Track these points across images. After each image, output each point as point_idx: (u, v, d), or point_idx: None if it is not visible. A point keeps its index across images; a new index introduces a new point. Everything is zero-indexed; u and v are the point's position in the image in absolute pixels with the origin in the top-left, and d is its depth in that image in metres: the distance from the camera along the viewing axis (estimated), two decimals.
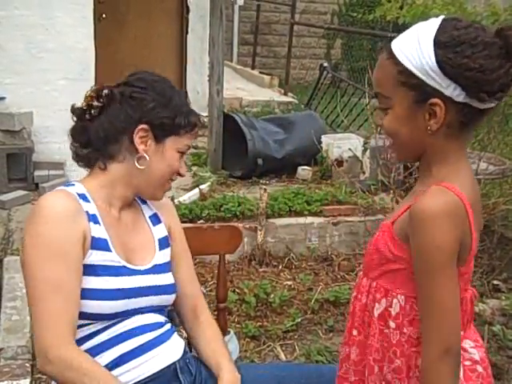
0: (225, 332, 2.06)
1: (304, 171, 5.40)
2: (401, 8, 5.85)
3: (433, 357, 1.21)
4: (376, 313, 1.35)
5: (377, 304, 1.35)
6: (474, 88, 1.22)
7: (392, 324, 1.32)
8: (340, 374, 1.47)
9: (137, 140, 1.66)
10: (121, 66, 7.46)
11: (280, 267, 4.08)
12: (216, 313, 2.16)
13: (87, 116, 1.71)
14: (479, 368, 1.33)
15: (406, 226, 1.27)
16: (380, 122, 1.37)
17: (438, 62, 1.22)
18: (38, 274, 1.49)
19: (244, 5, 13.16)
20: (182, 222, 4.08)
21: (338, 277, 4.04)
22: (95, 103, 1.70)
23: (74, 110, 1.72)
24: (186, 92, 1.81)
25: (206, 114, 6.24)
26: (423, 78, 1.24)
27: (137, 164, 1.66)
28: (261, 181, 5.10)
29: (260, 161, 5.27)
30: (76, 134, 1.71)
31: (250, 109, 8.13)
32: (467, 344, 1.34)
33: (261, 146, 5.34)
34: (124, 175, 1.67)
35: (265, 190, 4.25)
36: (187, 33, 7.63)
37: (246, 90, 9.35)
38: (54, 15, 5.16)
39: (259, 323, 3.36)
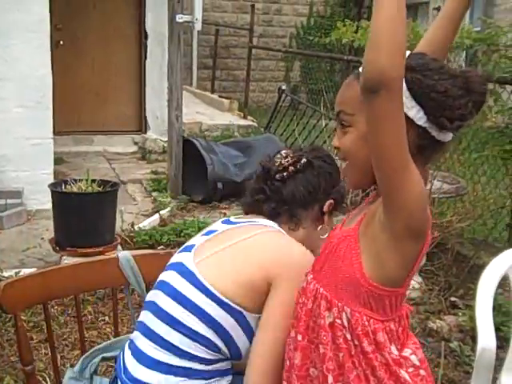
0: None
1: None
2: (356, 32, 5.98)
3: None
4: (327, 321, 1.37)
5: (327, 312, 1.37)
6: (437, 111, 1.26)
7: (348, 336, 1.35)
8: (284, 379, 1.48)
9: (326, 211, 1.78)
10: (79, 92, 7.47)
11: None
12: None
13: (278, 176, 1.78)
14: (422, 372, 1.39)
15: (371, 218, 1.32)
16: (337, 143, 1.40)
17: (406, 81, 1.24)
18: None
19: (202, 29, 13.22)
20: (142, 248, 4.10)
21: None
22: (291, 168, 1.79)
23: (264, 165, 1.83)
24: None
25: (165, 139, 6.27)
26: None
27: (320, 233, 1.76)
28: (221, 205, 5.12)
29: (220, 185, 5.30)
30: (263, 190, 1.79)
31: (210, 133, 8.18)
32: (407, 353, 1.38)
33: (221, 170, 5.37)
34: (303, 240, 1.73)
35: (224, 213, 4.28)
36: (146, 58, 7.66)
37: (205, 114, 9.40)
38: (11, 43, 5.15)
39: None
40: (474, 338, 3.07)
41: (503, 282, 2.56)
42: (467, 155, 4.48)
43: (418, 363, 1.39)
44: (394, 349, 1.35)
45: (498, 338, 2.58)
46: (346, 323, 1.35)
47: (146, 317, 1.70)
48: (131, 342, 1.72)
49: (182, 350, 1.58)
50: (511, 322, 2.51)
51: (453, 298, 3.79)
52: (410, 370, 1.37)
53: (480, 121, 4.39)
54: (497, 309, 3.09)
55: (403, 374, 1.34)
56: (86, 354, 1.99)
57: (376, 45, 1.16)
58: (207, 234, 1.76)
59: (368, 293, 1.32)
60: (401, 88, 1.18)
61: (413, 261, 1.31)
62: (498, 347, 2.44)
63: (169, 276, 1.70)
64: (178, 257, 1.75)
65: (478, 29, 6.26)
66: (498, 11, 11.28)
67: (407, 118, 1.25)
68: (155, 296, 1.70)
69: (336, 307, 1.36)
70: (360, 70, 1.29)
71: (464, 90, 1.28)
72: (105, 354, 2.02)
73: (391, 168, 1.21)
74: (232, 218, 1.83)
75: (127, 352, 1.71)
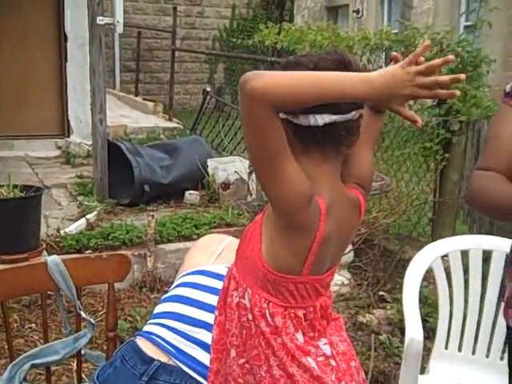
0: None
1: (191, 196, 5.42)
2: (278, 34, 6.04)
3: None
4: (235, 301, 1.40)
5: (235, 292, 1.40)
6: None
7: (250, 316, 1.37)
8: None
9: None
10: None
11: None
12: (106, 342, 2.13)
13: None
14: (332, 362, 1.41)
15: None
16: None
17: None
18: None
19: (124, 32, 13.04)
20: (69, 253, 4.02)
21: None
22: None
23: None
24: None
25: (90, 142, 6.15)
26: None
27: None
28: (148, 207, 5.07)
29: (147, 187, 5.25)
30: None
31: (135, 136, 8.08)
32: (321, 342, 1.41)
33: (147, 172, 5.32)
34: None
35: (152, 216, 4.23)
36: (66, 61, 7.50)
37: (130, 117, 9.29)
38: None
39: None
40: (402, 330, 3.15)
41: (428, 275, 2.65)
42: (390, 153, 4.59)
43: (329, 353, 1.41)
44: (299, 336, 1.37)
45: (425, 328, 2.67)
46: (247, 304, 1.38)
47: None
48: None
49: None
50: (436, 313, 2.59)
51: (381, 293, 3.89)
52: (320, 358, 1.39)
53: (401, 120, 4.51)
54: (423, 301, 3.19)
55: (309, 360, 1.37)
56: (14, 361, 1.94)
57: (278, 77, 1.21)
58: None
59: (265, 276, 1.35)
60: (266, 106, 1.19)
61: (305, 252, 1.31)
62: (426, 337, 2.52)
63: None
64: None
65: (397, 31, 6.43)
66: (415, 13, 11.60)
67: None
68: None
69: (241, 287, 1.39)
70: None
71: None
72: (34, 361, 1.99)
73: (259, 167, 1.26)
74: None
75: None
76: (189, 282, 1.86)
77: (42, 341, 2.09)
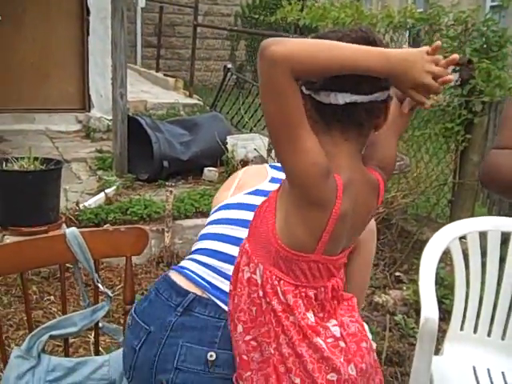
0: None
1: (210, 172, 5.43)
2: (301, 10, 5.98)
3: None
4: (245, 276, 1.40)
5: (246, 267, 1.40)
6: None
7: (260, 292, 1.37)
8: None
9: None
10: (19, 68, 7.28)
11: None
12: (123, 315, 2.15)
13: None
14: (342, 344, 1.39)
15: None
16: None
17: None
18: None
19: (146, 7, 13.07)
20: (87, 226, 4.05)
21: None
22: None
23: None
24: None
25: (110, 117, 6.17)
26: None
27: None
28: (167, 183, 5.08)
29: (166, 163, 5.26)
30: None
31: (155, 111, 8.09)
32: (331, 323, 1.41)
33: (166, 148, 5.33)
34: None
35: (171, 191, 4.25)
36: (88, 35, 7.50)
37: (150, 92, 9.30)
38: None
39: None
40: (417, 312, 3.15)
41: (445, 256, 2.63)
42: (410, 133, 4.55)
43: (338, 335, 1.40)
44: (310, 315, 1.36)
45: (441, 310, 2.66)
46: (259, 280, 1.37)
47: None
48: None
49: None
50: (452, 295, 2.58)
51: (397, 273, 3.88)
52: (329, 340, 1.38)
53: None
54: (439, 282, 3.18)
55: (319, 341, 1.36)
56: (33, 332, 1.96)
57: (299, 43, 1.20)
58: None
59: (277, 253, 1.34)
60: (287, 72, 1.18)
61: (320, 229, 1.30)
62: (441, 319, 2.51)
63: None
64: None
65: (421, 10, 6.35)
66: None
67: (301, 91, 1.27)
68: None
69: (253, 263, 1.38)
70: None
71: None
72: (52, 332, 2.00)
73: (277, 136, 1.24)
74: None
75: None
76: (215, 219, 1.86)
77: (60, 313, 2.11)
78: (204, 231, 1.85)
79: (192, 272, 1.73)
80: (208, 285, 1.68)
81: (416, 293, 3.24)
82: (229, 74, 8.63)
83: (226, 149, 5.45)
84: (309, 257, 1.33)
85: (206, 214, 4.39)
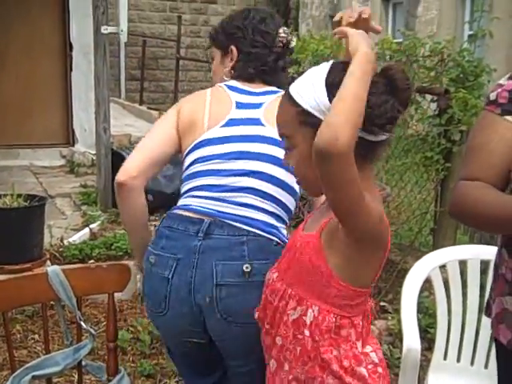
0: (116, 372, 2.06)
1: None
2: None
3: None
4: (291, 318, 1.47)
5: (292, 310, 1.47)
6: (366, 122, 1.29)
7: (306, 332, 1.44)
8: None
9: None
10: (3, 104, 7.30)
11: None
12: (108, 353, 2.15)
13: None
14: (379, 369, 1.47)
15: (335, 231, 1.38)
16: (287, 162, 1.51)
17: (330, 101, 1.31)
18: None
19: (130, 40, 13.13)
20: (72, 263, 4.04)
21: None
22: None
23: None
24: None
25: (94, 151, 6.19)
26: (320, 116, 1.35)
27: None
28: (151, 217, 5.07)
29: (150, 197, 5.20)
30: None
31: None
32: (368, 349, 1.47)
33: (150, 181, 5.33)
34: None
35: (155, 225, 4.24)
36: (71, 70, 7.55)
37: (134, 126, 9.32)
38: None
39: (154, 361, 3.32)
40: (402, 341, 3.15)
41: (429, 285, 2.65)
42: (391, 163, 4.60)
43: (376, 360, 1.47)
44: (359, 344, 1.45)
45: (426, 339, 2.68)
46: (309, 320, 1.44)
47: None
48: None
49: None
50: (436, 324, 2.59)
51: (382, 303, 3.89)
52: (370, 366, 1.45)
53: (402, 129, 4.53)
54: (424, 311, 3.19)
55: (362, 370, 1.43)
56: (16, 373, 1.96)
57: (340, 117, 1.23)
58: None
59: (339, 292, 1.42)
60: (351, 156, 1.24)
61: (380, 264, 1.43)
62: (427, 349, 2.53)
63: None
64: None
65: (401, 40, 6.45)
66: (420, 22, 11.64)
67: None
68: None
69: (304, 305, 1.45)
70: (293, 92, 1.41)
71: (387, 92, 1.36)
72: (35, 373, 2.00)
73: (346, 210, 1.31)
74: (247, 88, 1.98)
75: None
76: (200, 157, 1.92)
77: (44, 352, 2.10)
78: (192, 170, 1.93)
79: (197, 205, 1.85)
80: (216, 212, 1.82)
81: (401, 322, 3.25)
82: None
83: None
84: (368, 290, 1.45)
85: None
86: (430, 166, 4.23)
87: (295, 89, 1.43)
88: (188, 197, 1.90)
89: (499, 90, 1.60)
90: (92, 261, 4.11)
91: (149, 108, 11.04)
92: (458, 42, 5.08)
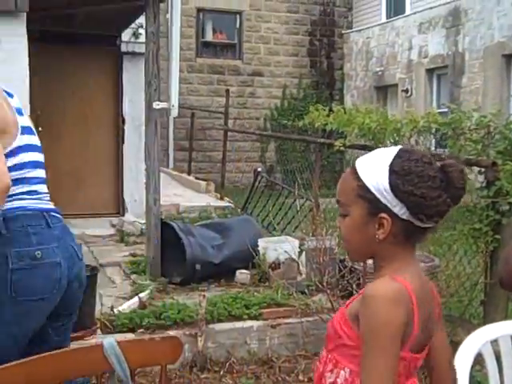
0: None
1: (242, 275, 5.48)
2: (328, 116, 6.18)
3: None
4: (328, 381, 1.56)
5: (329, 373, 1.56)
6: (416, 210, 1.46)
7: None
8: None
9: None
10: (57, 175, 7.55)
11: (221, 372, 4.09)
12: None
13: None
14: None
15: (357, 307, 1.50)
16: (339, 225, 1.62)
17: (390, 185, 1.48)
18: None
19: (179, 112, 13.55)
20: (122, 331, 4.10)
21: (279, 379, 4.07)
22: None
23: None
24: None
25: (143, 220, 6.33)
26: (377, 195, 1.50)
27: None
28: (199, 286, 5.14)
29: (198, 266, 5.34)
30: None
31: (188, 214, 8.25)
32: None
33: (198, 251, 5.42)
34: None
35: (203, 295, 4.31)
36: (123, 142, 7.80)
37: (183, 195, 9.52)
38: None
39: None
40: None
41: (481, 359, 2.62)
42: (439, 234, 4.59)
43: None
44: None
45: None
46: (343, 381, 1.53)
47: None
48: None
49: None
50: None
51: None
52: None
53: None
54: None
55: None
56: None
57: None
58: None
59: None
60: None
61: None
62: None
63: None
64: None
65: (446, 110, 6.51)
66: (464, 92, 11.72)
67: (393, 213, 1.49)
68: None
69: (338, 368, 1.55)
70: (359, 167, 1.54)
71: (442, 189, 1.47)
72: None
73: None
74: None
75: None
76: (24, 162, 2.57)
77: None
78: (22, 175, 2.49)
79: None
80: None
81: None
82: (259, 177, 8.82)
83: (257, 252, 5.52)
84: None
85: (238, 318, 4.43)
86: (478, 237, 4.21)
87: (361, 164, 1.55)
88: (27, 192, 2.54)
89: None
90: (142, 330, 4.16)
91: (196, 178, 11.26)
92: (505, 114, 5.11)
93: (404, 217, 1.49)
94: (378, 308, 1.41)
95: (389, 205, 1.49)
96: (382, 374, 1.39)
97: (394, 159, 1.51)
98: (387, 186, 1.48)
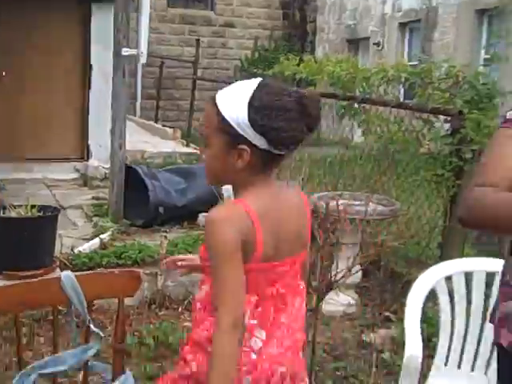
0: (121, 372, 2.08)
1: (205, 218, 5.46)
2: (298, 65, 6.14)
3: (222, 328, 1.48)
4: (197, 296, 1.72)
5: (199, 290, 1.72)
6: (275, 141, 1.54)
7: (198, 304, 1.69)
8: None
9: None
10: (21, 120, 7.42)
11: (180, 309, 4.10)
12: (113, 354, 2.16)
13: None
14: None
15: None
16: (201, 154, 1.71)
17: (249, 119, 1.52)
18: None
19: (148, 61, 13.32)
20: (82, 270, 4.08)
21: None
22: None
23: None
24: None
25: (107, 165, 6.26)
26: (237, 128, 1.54)
27: None
28: (162, 228, 5.13)
29: (161, 209, 5.32)
30: None
31: (153, 160, 8.20)
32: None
33: (162, 195, 5.39)
34: None
35: (165, 236, 4.30)
36: (89, 88, 7.66)
37: (149, 142, 9.43)
38: None
39: (158, 364, 3.35)
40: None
41: (435, 296, 2.66)
42: (402, 179, 4.62)
43: None
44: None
45: (429, 348, 2.68)
46: (203, 295, 1.71)
47: None
48: None
49: None
50: (438, 332, 2.60)
51: (386, 313, 3.93)
52: None
53: (415, 147, 4.56)
54: (428, 321, 3.20)
55: None
56: (23, 370, 1.99)
57: None
58: None
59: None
60: None
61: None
62: (429, 357, 2.53)
63: None
64: None
65: (417, 63, 6.50)
66: (436, 46, 11.69)
67: (252, 144, 1.54)
68: None
69: (204, 284, 1.71)
70: (219, 101, 1.58)
71: (299, 119, 1.54)
72: (42, 371, 2.02)
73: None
74: None
75: None
76: None
77: (50, 354, 2.12)
78: None
79: None
80: None
81: (404, 332, 3.26)
82: None
83: (221, 196, 5.50)
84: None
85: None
86: (440, 182, 4.25)
87: (221, 98, 1.59)
88: None
89: None
90: (101, 269, 4.15)
91: (163, 125, 11.16)
92: (474, 66, 5.12)
93: (263, 147, 1.54)
94: (212, 228, 1.51)
95: (248, 137, 1.53)
96: (227, 281, 1.51)
97: (253, 93, 1.54)
98: (246, 121, 1.52)
